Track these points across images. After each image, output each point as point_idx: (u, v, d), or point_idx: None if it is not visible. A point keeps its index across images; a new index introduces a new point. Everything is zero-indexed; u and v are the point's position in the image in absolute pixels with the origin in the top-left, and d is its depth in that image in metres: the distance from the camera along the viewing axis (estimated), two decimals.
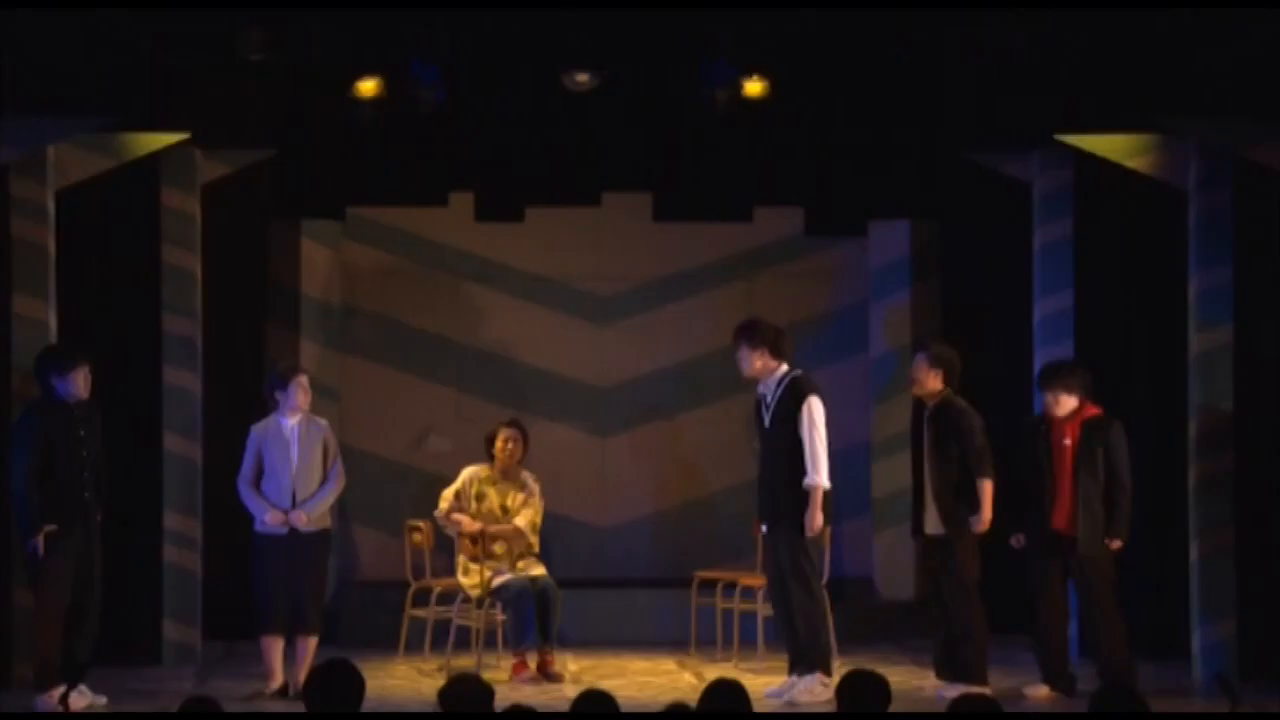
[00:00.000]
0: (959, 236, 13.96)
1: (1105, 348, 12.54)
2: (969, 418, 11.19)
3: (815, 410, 11.19)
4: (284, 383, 11.40)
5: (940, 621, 11.38)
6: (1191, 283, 11.94)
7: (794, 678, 11.25)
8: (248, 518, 12.74)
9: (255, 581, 11.33)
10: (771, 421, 11.30)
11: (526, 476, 12.39)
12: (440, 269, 14.35)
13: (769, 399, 11.34)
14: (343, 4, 11.48)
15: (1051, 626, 11.23)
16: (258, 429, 11.43)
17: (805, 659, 11.22)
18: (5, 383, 11.58)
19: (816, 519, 11.11)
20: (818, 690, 11.07)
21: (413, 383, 14.32)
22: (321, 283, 14.06)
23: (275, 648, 11.34)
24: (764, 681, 11.42)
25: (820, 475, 11.11)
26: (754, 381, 11.45)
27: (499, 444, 12.30)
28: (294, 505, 11.34)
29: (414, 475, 14.05)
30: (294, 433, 11.39)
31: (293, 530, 11.31)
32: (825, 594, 11.40)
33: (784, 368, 11.36)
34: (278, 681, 11.30)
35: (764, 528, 11.48)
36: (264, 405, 13.28)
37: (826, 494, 11.16)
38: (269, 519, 11.24)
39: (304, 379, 11.46)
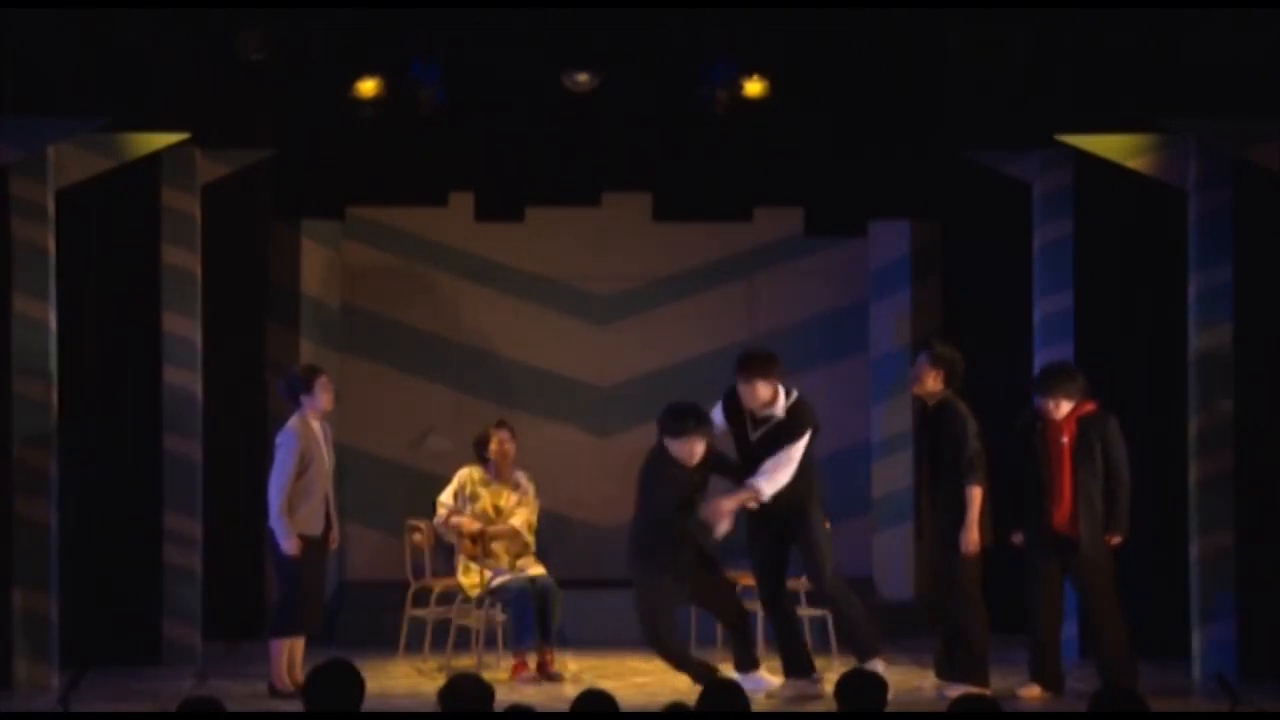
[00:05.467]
0: (959, 236, 13.97)
1: (1105, 348, 12.54)
2: (962, 422, 11.16)
3: (804, 441, 11.17)
4: (308, 385, 11.31)
5: (941, 621, 11.38)
6: (1191, 283, 11.94)
7: (794, 679, 11.27)
8: (249, 516, 12.77)
9: (288, 582, 11.22)
10: (761, 438, 11.23)
11: (520, 476, 12.38)
12: (440, 269, 14.36)
13: (760, 414, 11.26)
14: (343, 4, 11.49)
15: (1047, 625, 11.23)
16: (299, 429, 11.21)
17: (861, 650, 11.22)
18: (5, 383, 11.58)
19: (721, 509, 11.08)
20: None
21: (412, 383, 14.33)
22: (321, 283, 14.07)
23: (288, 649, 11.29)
24: None
25: (769, 488, 11.07)
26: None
27: (494, 445, 12.29)
28: (327, 507, 11.33)
29: (413, 475, 14.05)
30: (324, 434, 11.36)
31: (315, 536, 11.28)
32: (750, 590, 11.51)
33: (782, 391, 11.30)
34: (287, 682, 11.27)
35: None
36: (263, 403, 13.31)
37: (763, 505, 11.13)
38: (288, 548, 11.16)
39: (326, 379, 11.40)
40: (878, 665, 10.93)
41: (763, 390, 11.20)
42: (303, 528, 11.15)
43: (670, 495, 11.01)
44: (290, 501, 11.12)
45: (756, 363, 11.23)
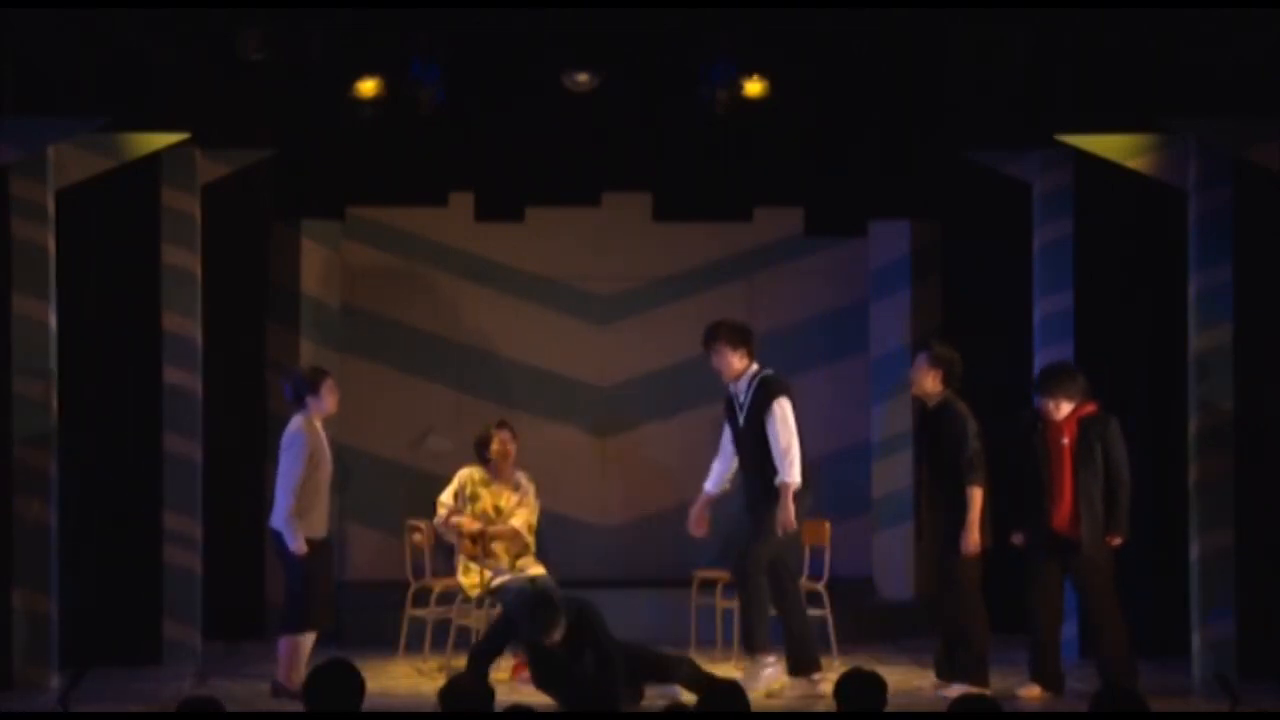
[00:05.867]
0: (959, 236, 13.98)
1: (1105, 348, 12.54)
2: (962, 422, 11.18)
3: (786, 410, 11.21)
4: (314, 387, 11.21)
5: (941, 621, 11.39)
6: (1191, 283, 11.94)
7: (796, 678, 11.29)
8: (249, 516, 12.76)
9: (298, 581, 11.09)
10: (746, 420, 11.32)
11: (520, 476, 12.38)
12: (440, 269, 14.36)
13: (741, 398, 11.35)
14: (343, 4, 11.49)
15: (1046, 626, 11.23)
16: (307, 431, 11.12)
17: (795, 659, 11.26)
18: (5, 383, 11.58)
19: (789, 515, 11.13)
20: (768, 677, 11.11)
21: (413, 383, 14.33)
22: (321, 283, 14.07)
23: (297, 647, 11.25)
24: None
25: (793, 474, 11.13)
26: (731, 380, 11.43)
27: (495, 446, 12.29)
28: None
29: (413, 475, 14.05)
30: (326, 436, 11.33)
31: (322, 538, 11.26)
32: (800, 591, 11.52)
33: (755, 366, 11.38)
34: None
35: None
36: (263, 403, 13.29)
37: (799, 492, 11.18)
38: (297, 549, 11.09)
39: (332, 382, 11.32)
40: (769, 664, 10.94)
41: (728, 356, 11.28)
42: (310, 530, 11.09)
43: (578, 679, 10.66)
44: (299, 503, 11.08)
45: (720, 328, 11.38)
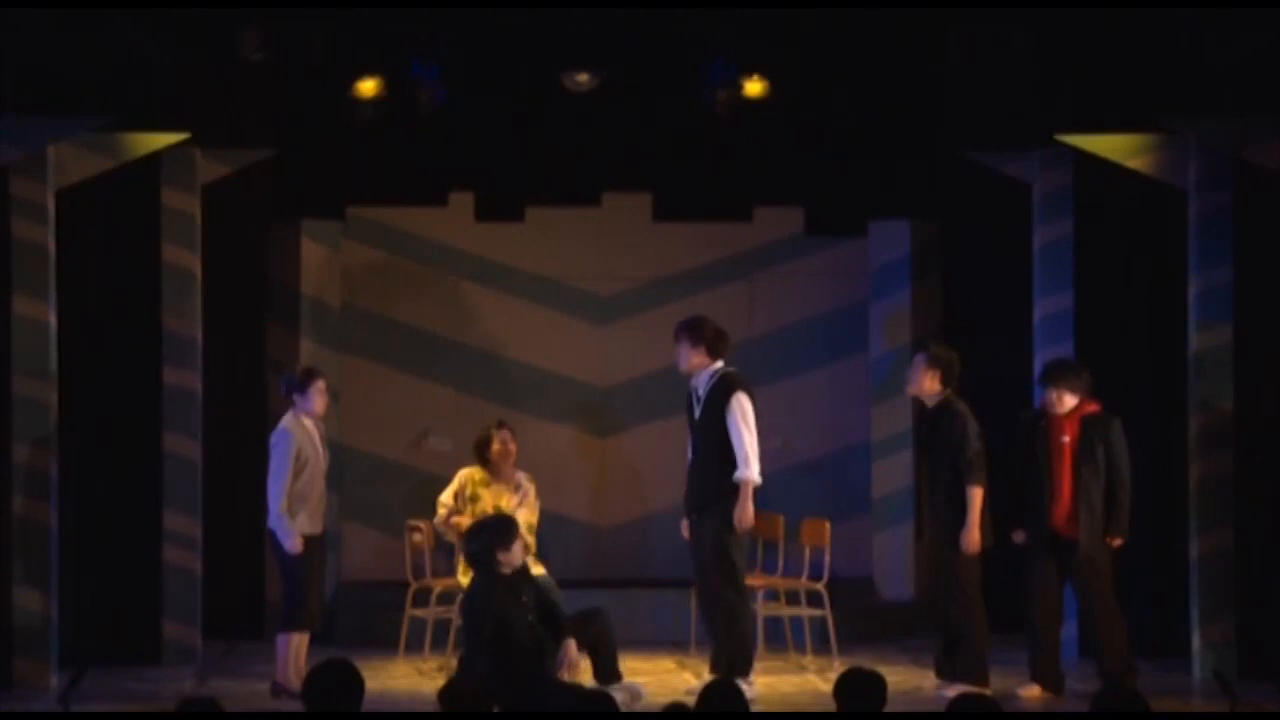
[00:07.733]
0: (959, 236, 13.98)
1: (1105, 348, 12.54)
2: (963, 422, 11.17)
3: (745, 405, 11.18)
4: (303, 387, 11.28)
5: (941, 622, 11.39)
6: (1191, 283, 11.95)
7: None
8: (249, 517, 12.75)
9: (294, 579, 11.12)
10: (701, 414, 11.31)
11: (521, 477, 12.38)
12: (440, 269, 14.36)
13: (700, 392, 11.35)
14: (343, 4, 11.50)
15: (1045, 625, 11.23)
16: (294, 429, 11.18)
17: (724, 661, 11.11)
18: (5, 383, 11.59)
19: (747, 513, 11.09)
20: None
21: (412, 383, 14.32)
22: (321, 282, 14.06)
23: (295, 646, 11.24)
24: (764, 682, 11.41)
25: (751, 470, 11.10)
26: (689, 375, 11.44)
27: (496, 446, 12.29)
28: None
29: (413, 475, 14.05)
30: (318, 433, 11.33)
31: (316, 535, 11.26)
32: (750, 591, 11.41)
33: (718, 364, 11.35)
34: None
35: (685, 522, 11.43)
36: (263, 403, 13.29)
37: (756, 489, 11.16)
38: (292, 547, 11.11)
39: (322, 384, 11.35)
40: (747, 686, 10.85)
41: (687, 353, 11.29)
42: (303, 527, 11.12)
43: (520, 619, 10.48)
44: (290, 503, 11.09)
45: (685, 325, 11.38)
